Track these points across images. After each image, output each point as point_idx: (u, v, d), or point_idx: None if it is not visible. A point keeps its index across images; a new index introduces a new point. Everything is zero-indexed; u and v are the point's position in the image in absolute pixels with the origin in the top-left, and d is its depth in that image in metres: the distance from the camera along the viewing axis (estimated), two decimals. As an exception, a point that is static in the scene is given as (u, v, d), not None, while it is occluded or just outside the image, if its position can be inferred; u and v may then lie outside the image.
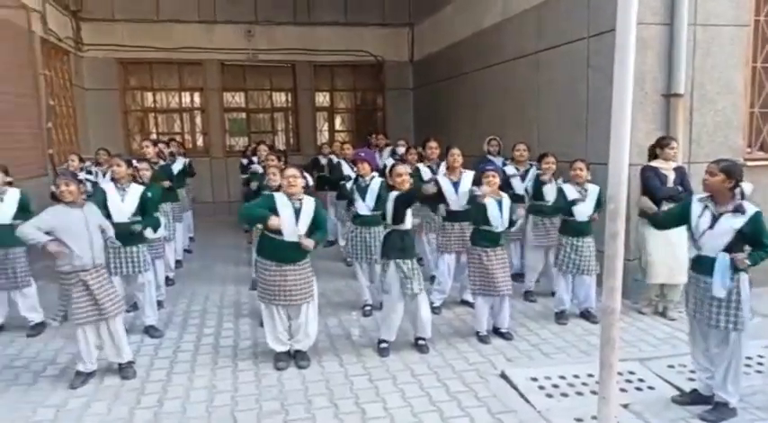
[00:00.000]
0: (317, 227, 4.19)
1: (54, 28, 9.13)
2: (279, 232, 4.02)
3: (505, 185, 5.37)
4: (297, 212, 4.09)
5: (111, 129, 11.06)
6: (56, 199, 5.71)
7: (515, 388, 3.81)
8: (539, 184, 5.61)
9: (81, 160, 7.02)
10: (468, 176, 5.29)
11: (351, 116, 13.01)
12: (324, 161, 8.68)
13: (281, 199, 4.12)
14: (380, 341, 4.48)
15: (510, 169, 5.96)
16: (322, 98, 12.65)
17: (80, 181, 4.14)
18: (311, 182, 6.11)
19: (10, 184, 5.04)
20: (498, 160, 6.29)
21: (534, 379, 3.90)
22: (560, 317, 5.08)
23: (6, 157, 5.74)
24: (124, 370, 4.09)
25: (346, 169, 6.96)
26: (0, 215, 4.86)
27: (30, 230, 3.73)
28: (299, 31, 11.69)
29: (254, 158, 7.91)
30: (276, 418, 3.50)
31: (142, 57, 11.18)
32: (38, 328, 4.99)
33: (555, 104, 6.63)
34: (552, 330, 4.90)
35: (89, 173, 6.78)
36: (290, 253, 4.08)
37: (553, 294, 5.34)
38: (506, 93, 7.75)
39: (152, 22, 11.08)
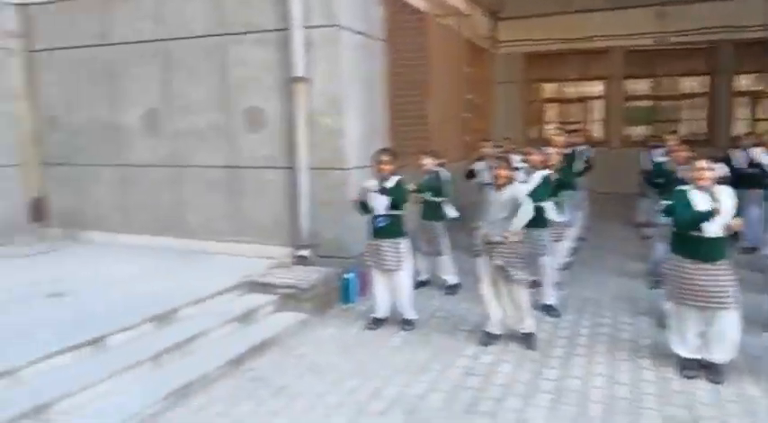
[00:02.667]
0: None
1: (476, 29, 10.40)
2: (697, 229, 3.72)
3: None
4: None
5: (512, 118, 12.01)
6: (471, 176, 6.59)
7: None
8: None
9: (495, 147, 7.77)
10: None
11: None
12: (740, 155, 7.45)
13: (695, 194, 3.80)
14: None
15: None
16: (743, 82, 10.90)
17: (514, 167, 4.62)
18: (722, 172, 5.33)
19: (441, 164, 6.00)
20: None
21: None
22: None
23: (437, 144, 6.89)
24: (527, 340, 4.47)
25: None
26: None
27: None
28: (719, 6, 10.29)
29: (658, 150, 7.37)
30: (685, 427, 3.30)
31: (548, 49, 11.69)
32: (453, 289, 5.88)
33: None
34: None
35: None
36: (709, 251, 3.72)
37: None
38: None
39: (564, 14, 11.42)
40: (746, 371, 3.96)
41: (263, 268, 5.67)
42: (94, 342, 3.88)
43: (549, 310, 5.14)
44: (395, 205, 4.71)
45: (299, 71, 5.67)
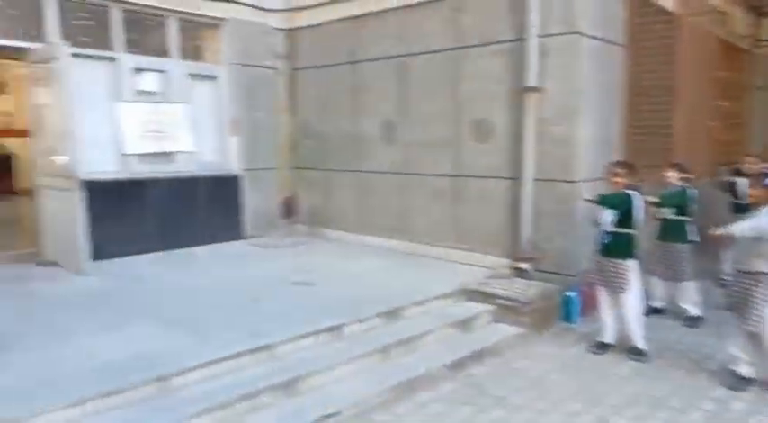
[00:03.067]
0: None
1: (733, 27, 9.12)
2: None
3: None
4: None
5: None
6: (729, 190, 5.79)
7: None
8: None
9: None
10: None
11: None
12: None
13: None
14: None
15: None
16: None
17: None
18: None
19: (687, 180, 5.40)
20: None
21: None
22: None
23: (681, 157, 6.21)
24: (791, 391, 3.79)
25: None
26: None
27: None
28: None
29: None
30: None
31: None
32: (693, 321, 5.24)
33: None
34: None
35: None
36: None
37: None
38: None
39: None
40: None
41: (481, 277, 5.73)
42: (333, 329, 4.32)
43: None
44: (623, 222, 4.38)
45: (532, 81, 5.61)
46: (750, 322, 3.81)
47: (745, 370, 3.94)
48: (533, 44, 5.58)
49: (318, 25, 7.70)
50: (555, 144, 5.62)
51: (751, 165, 6.34)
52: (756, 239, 3.76)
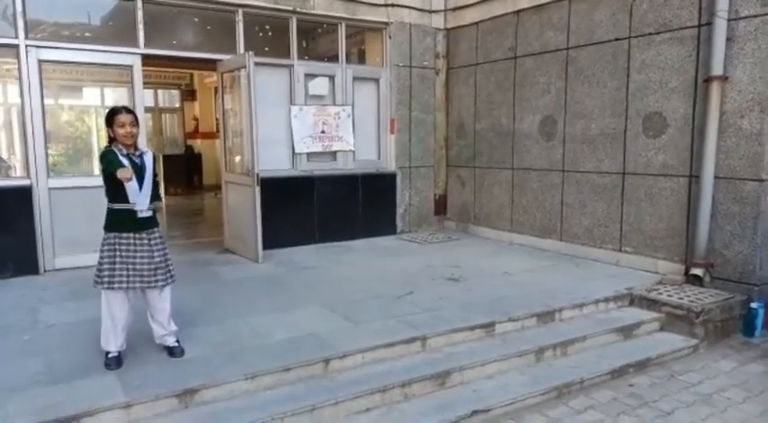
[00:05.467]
0: None
1: None
2: None
3: None
4: None
5: None
6: None
7: None
8: None
9: None
10: None
11: None
12: None
13: None
14: None
15: None
16: None
17: None
18: None
19: None
20: None
21: None
22: None
23: None
24: None
25: None
26: None
27: None
28: None
29: None
30: None
31: None
32: None
33: None
34: None
35: None
36: None
37: None
38: None
39: None
40: None
41: (649, 282, 5.34)
42: (486, 326, 4.32)
43: None
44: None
45: (718, 69, 5.08)
46: None
47: None
48: (720, 28, 5.03)
49: (479, 22, 7.70)
50: (742, 138, 5.03)
51: None
52: None
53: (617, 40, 5.98)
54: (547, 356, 4.13)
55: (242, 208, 6.57)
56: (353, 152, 7.67)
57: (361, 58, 8.02)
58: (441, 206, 8.44)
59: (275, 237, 6.77)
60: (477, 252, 6.85)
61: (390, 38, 7.77)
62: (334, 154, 7.55)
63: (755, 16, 4.88)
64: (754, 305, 4.79)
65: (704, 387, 3.89)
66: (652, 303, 4.94)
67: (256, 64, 6.21)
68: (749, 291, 4.93)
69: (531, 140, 7.08)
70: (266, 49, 7.04)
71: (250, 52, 6.08)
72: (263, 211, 6.32)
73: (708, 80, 5.15)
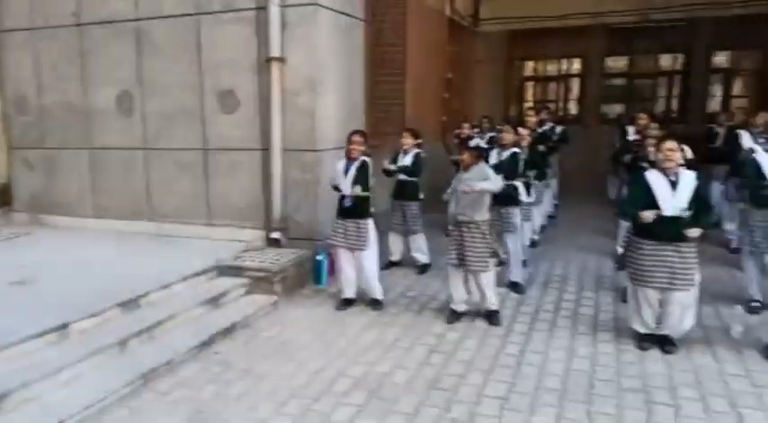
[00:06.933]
0: (699, 208, 3.77)
1: (458, 7, 10.35)
2: (656, 207, 3.79)
3: None
4: (673, 186, 3.79)
5: (493, 98, 11.98)
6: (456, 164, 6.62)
7: None
8: None
9: (472, 127, 7.79)
10: None
11: (755, 79, 10.97)
12: (719, 131, 7.62)
13: (652, 177, 3.86)
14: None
15: None
16: (720, 59, 10.99)
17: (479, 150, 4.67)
18: (690, 155, 5.41)
19: (419, 145, 5.99)
20: None
21: None
22: None
23: (414, 124, 6.89)
24: (491, 317, 4.55)
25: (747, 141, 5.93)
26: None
27: None
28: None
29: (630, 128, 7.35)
30: (637, 396, 3.42)
31: (529, 27, 11.57)
32: (424, 268, 5.94)
33: None
34: None
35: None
36: (669, 230, 3.78)
37: None
38: None
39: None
40: (699, 341, 4.10)
41: (237, 251, 5.68)
42: (59, 329, 3.87)
43: (514, 287, 5.24)
44: (363, 186, 4.73)
45: (275, 51, 5.60)
46: (472, 265, 4.42)
47: (457, 306, 4.61)
48: (275, 13, 5.53)
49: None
50: (300, 114, 5.73)
51: (463, 130, 7.33)
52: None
53: (185, 15, 6.00)
54: (132, 345, 3.98)
55: None
56: None
57: None
58: (5, 197, 7.11)
59: None
60: (54, 245, 6.07)
61: None
62: None
63: (301, 5, 5.54)
64: (319, 257, 5.63)
65: (281, 337, 4.41)
66: (238, 270, 5.30)
67: None
68: (317, 246, 5.76)
69: (109, 117, 6.57)
70: None
71: None
72: None
73: (269, 61, 5.66)
